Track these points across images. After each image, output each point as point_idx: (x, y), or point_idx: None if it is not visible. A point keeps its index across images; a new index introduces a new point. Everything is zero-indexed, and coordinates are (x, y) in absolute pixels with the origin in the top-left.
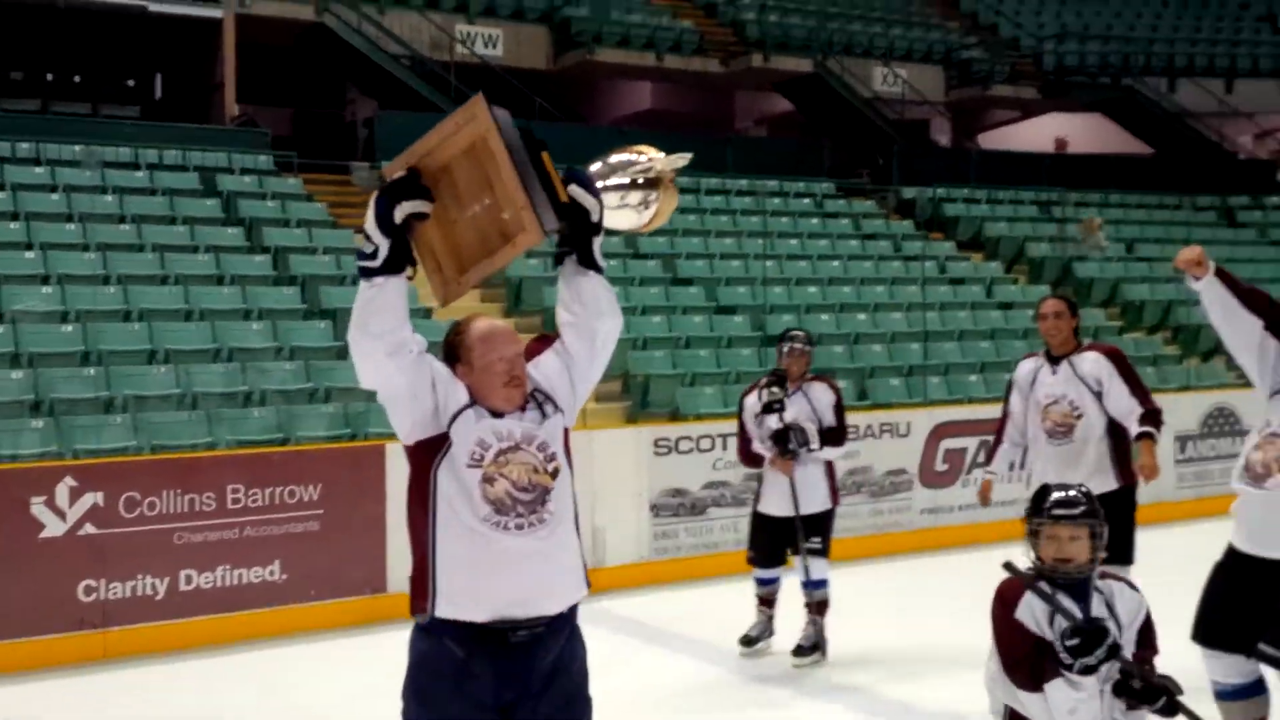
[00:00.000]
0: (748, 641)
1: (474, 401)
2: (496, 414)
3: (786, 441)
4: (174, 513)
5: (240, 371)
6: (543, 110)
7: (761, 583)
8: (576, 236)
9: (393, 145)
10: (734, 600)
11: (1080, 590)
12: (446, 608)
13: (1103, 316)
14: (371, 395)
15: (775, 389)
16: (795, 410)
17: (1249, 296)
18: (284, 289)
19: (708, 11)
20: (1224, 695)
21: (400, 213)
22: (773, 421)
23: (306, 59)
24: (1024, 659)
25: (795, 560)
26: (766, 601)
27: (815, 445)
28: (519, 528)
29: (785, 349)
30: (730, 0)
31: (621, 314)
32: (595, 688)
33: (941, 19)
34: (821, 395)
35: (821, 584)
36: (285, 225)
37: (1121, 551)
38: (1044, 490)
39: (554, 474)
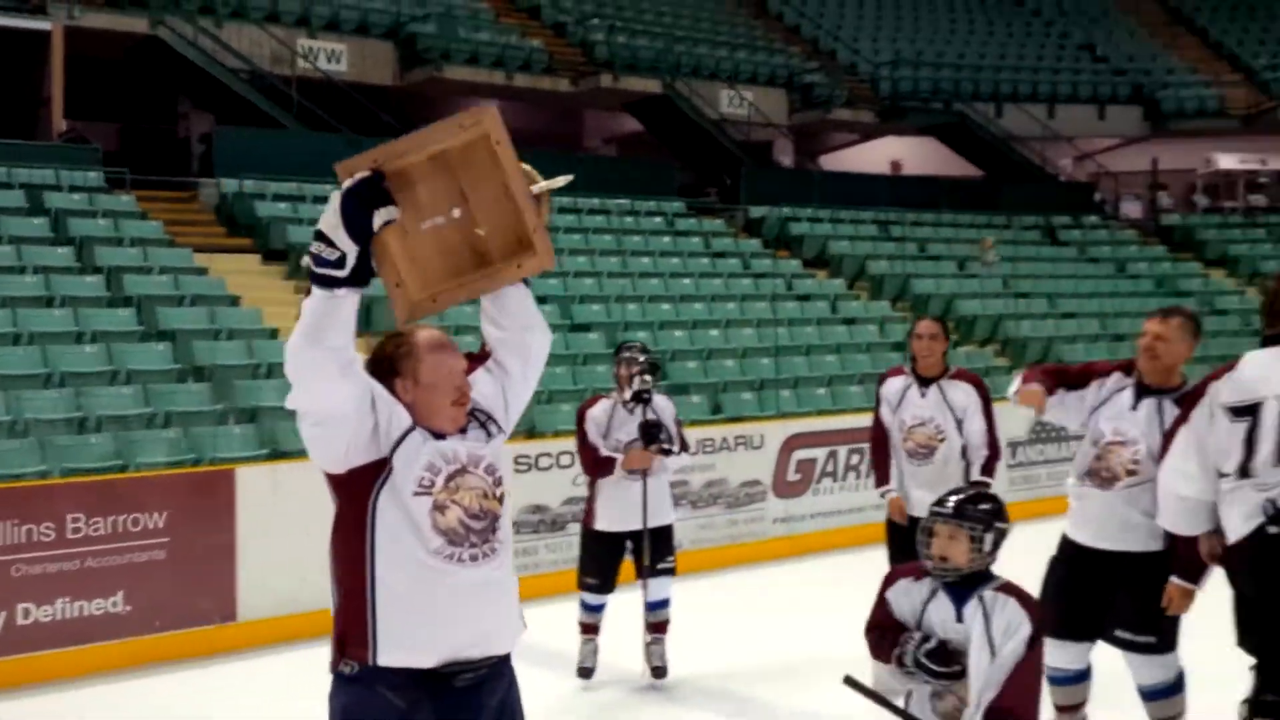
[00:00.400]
0: (586, 673)
1: (415, 423)
2: (438, 435)
3: (658, 432)
4: (9, 544)
5: (74, 397)
6: (389, 127)
7: (592, 609)
8: None
9: (232, 161)
10: None
11: (962, 593)
12: (391, 654)
13: None
14: (216, 418)
15: (648, 378)
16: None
17: (1053, 380)
18: (118, 310)
19: (557, 31)
20: (1063, 681)
21: (379, 218)
22: (639, 413)
23: (138, 72)
24: (872, 629)
25: (648, 580)
26: (594, 629)
27: (676, 448)
28: (473, 559)
29: (627, 356)
30: (579, 21)
31: (549, 329)
32: None
33: (784, 44)
34: (665, 406)
35: (667, 603)
36: (118, 244)
37: None
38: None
39: (501, 499)
